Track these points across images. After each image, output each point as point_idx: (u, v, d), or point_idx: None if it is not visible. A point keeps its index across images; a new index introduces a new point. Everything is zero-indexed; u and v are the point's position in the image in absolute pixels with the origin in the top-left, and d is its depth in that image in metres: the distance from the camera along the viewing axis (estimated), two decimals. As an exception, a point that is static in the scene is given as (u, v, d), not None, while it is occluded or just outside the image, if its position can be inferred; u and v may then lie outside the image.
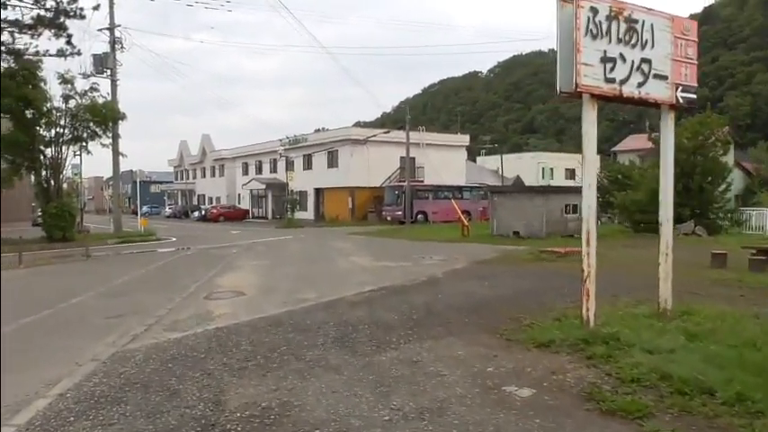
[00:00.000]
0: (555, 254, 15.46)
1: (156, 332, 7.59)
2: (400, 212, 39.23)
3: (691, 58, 6.69)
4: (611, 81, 5.97)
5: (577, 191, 23.22)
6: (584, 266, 6.12)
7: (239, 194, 60.31)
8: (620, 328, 5.93)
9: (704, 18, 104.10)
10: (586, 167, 6.07)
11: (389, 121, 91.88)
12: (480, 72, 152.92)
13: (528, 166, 60.65)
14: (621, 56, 6.01)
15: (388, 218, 40.44)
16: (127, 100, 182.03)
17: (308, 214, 47.70)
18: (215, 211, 54.09)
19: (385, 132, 43.41)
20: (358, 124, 63.96)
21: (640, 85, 6.19)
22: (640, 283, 10.43)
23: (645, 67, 6.18)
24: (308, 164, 49.29)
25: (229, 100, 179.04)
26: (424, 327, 7.31)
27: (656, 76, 6.31)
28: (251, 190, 55.83)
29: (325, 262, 16.57)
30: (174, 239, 28.08)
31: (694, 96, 6.77)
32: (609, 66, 5.92)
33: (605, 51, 5.89)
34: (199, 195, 70.72)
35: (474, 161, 65.19)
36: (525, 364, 5.37)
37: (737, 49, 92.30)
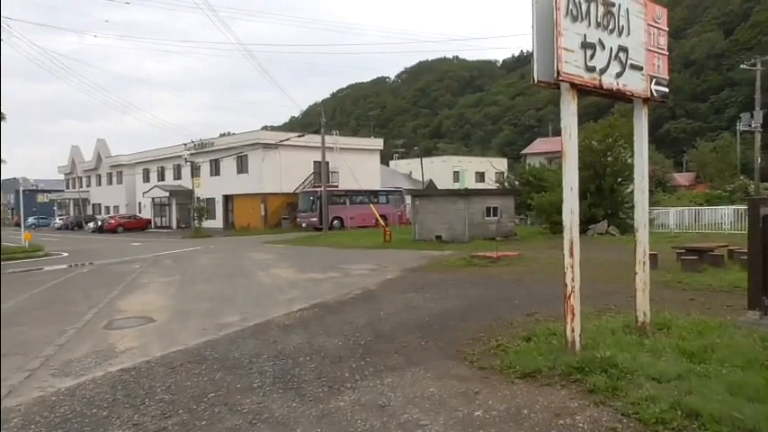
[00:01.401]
0: (487, 258, 14.91)
1: (42, 379, 6.04)
2: (316, 219, 38.00)
3: (662, 49, 6.13)
4: (592, 70, 5.23)
5: (497, 193, 23.07)
6: (566, 281, 5.32)
7: (140, 203, 56.48)
8: (609, 349, 5.16)
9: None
10: (568, 165, 5.28)
11: (298, 125, 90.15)
12: (388, 77, 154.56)
13: (439, 169, 61.11)
14: (601, 42, 5.29)
15: (304, 224, 39.05)
16: (10, 101, 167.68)
17: (217, 223, 45.25)
18: (113, 221, 50.18)
19: (299, 136, 41.92)
20: (266, 129, 61.77)
21: (618, 75, 5.51)
22: (592, 290, 9.98)
23: (622, 56, 5.51)
24: (215, 169, 46.81)
25: (128, 103, 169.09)
26: (378, 354, 6.26)
27: (632, 66, 5.66)
28: (153, 198, 52.35)
29: (244, 276, 15.11)
30: (66, 254, 25.27)
31: (667, 90, 6.21)
32: (589, 52, 5.18)
33: (585, 36, 5.15)
34: (94, 205, 65.68)
35: (387, 165, 64.90)
36: (518, 404, 4.46)
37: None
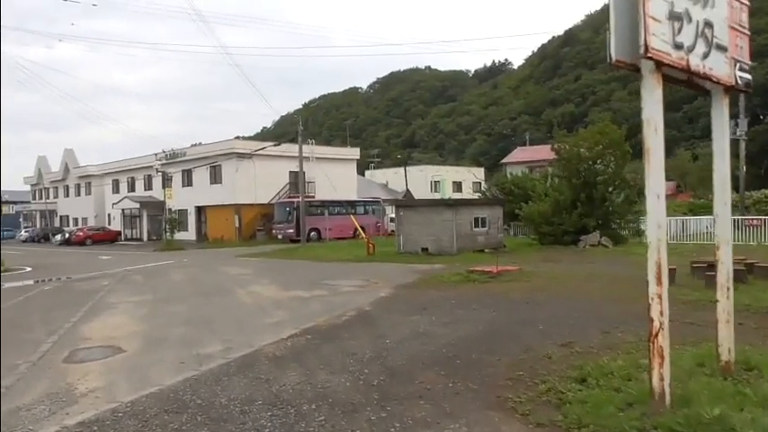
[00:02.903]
0: (486, 274, 13.94)
1: (-20, 439, 4.83)
2: (292, 230, 36.76)
3: (745, 27, 5.14)
4: (679, 47, 4.25)
5: (485, 203, 22.20)
6: (652, 315, 4.33)
7: (109, 214, 54.40)
8: (711, 404, 4.09)
9: (566, 40, 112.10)
10: (652, 166, 4.28)
11: (271, 135, 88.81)
12: (360, 88, 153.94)
13: (416, 179, 60.26)
14: (687, 13, 4.30)
15: (280, 236, 37.74)
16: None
17: (190, 235, 43.59)
18: (81, 233, 48.11)
19: (275, 145, 40.69)
20: (238, 139, 60.26)
21: (705, 56, 4.52)
22: (621, 312, 9.07)
23: (708, 32, 4.54)
24: (187, 180, 45.19)
25: (98, 113, 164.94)
26: (399, 401, 5.18)
27: (717, 46, 4.67)
28: (123, 209, 50.38)
29: (222, 294, 13.86)
30: (29, 269, 23.60)
31: (750, 77, 5.24)
32: (677, 25, 4.20)
33: (672, 4, 4.17)
34: (62, 216, 63.25)
35: (363, 175, 63.88)
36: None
37: (597, 68, 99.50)
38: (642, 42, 3.90)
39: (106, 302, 13.11)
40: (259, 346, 7.80)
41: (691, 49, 4.36)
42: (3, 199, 71.72)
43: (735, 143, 44.61)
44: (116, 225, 52.31)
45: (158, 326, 9.98)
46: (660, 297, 4.29)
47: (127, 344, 8.48)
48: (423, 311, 9.90)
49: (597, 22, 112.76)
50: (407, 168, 64.17)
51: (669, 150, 63.39)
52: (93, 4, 39.88)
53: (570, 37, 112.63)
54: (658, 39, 4.01)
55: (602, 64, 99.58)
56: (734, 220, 23.54)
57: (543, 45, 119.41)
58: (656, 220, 4.28)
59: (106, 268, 22.82)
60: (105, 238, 48.26)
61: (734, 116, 34.81)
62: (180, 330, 9.44)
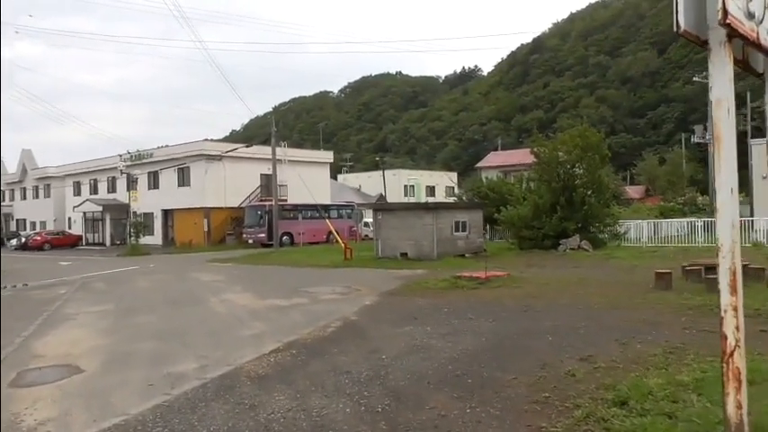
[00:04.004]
0: (475, 279, 13.23)
1: None
2: (264, 234, 35.62)
3: None
4: (751, 17, 3.59)
5: (465, 207, 21.55)
6: (725, 330, 3.62)
7: (70, 218, 52.15)
8: None
9: (534, 47, 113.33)
10: (723, 156, 3.58)
11: (240, 138, 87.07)
12: (331, 92, 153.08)
13: (389, 183, 59.53)
14: (758, -22, 3.65)
15: (250, 241, 36.53)
16: None
17: (156, 239, 41.99)
18: (38, 237, 45.90)
19: (246, 146, 39.49)
20: (208, 141, 58.69)
21: (772, 30, 3.87)
22: (624, 319, 8.48)
23: (774, 3, 3.89)
24: (154, 182, 43.56)
25: (62, 112, 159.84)
26: (412, 432, 4.41)
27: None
28: (84, 212, 48.33)
29: (193, 303, 12.85)
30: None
31: None
32: (748, -9, 3.53)
33: (744, -32, 3.50)
34: (18, 220, 60.52)
35: (335, 179, 62.93)
36: None
37: (564, 76, 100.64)
38: (720, 6, 3.21)
39: (63, 313, 11.98)
40: (239, 364, 6.93)
41: (761, 21, 3.69)
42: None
43: (697, 147, 45.35)
44: (77, 229, 50.19)
45: (122, 340, 8.98)
46: (735, 309, 3.57)
47: (86, 362, 7.51)
48: (414, 321, 9.13)
49: (564, 31, 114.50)
50: (380, 173, 63.51)
51: (632, 157, 64.41)
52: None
53: (538, 44, 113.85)
54: (734, 4, 3.32)
55: (568, 71, 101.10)
56: (711, 222, 23.70)
57: (512, 52, 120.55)
58: (731, 219, 3.57)
59: (65, 275, 21.46)
60: (65, 242, 46.18)
61: (684, 124, 35.12)
62: (147, 345, 8.48)
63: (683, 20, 3.37)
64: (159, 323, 10.38)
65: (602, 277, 14.04)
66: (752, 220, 23.62)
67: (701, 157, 48.30)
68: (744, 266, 11.43)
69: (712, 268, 11.37)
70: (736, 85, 3.55)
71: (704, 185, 41.70)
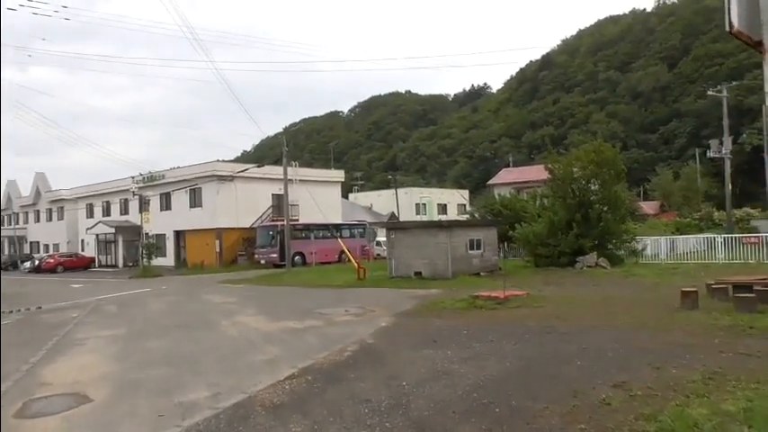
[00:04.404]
0: (493, 299, 12.86)
1: None
2: (276, 255, 35.42)
3: None
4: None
5: (480, 225, 21.20)
6: None
7: (83, 240, 52.32)
8: None
9: (543, 64, 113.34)
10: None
11: (251, 159, 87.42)
12: (341, 112, 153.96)
13: (401, 201, 59.34)
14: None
15: (262, 261, 36.32)
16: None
17: (168, 260, 41.89)
18: (51, 260, 46.04)
19: (258, 166, 39.49)
20: (219, 161, 58.93)
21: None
22: (659, 343, 8.06)
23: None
24: (166, 204, 43.62)
25: (76, 136, 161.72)
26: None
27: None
28: (97, 234, 48.45)
29: (205, 327, 12.56)
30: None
31: None
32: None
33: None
34: (32, 242, 60.89)
35: (346, 198, 62.84)
36: None
37: (574, 91, 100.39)
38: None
39: (73, 338, 11.74)
40: (253, 392, 6.63)
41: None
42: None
43: (712, 162, 44.76)
44: (90, 251, 50.32)
45: (132, 366, 8.70)
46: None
47: (94, 390, 7.23)
48: (434, 344, 8.78)
49: (572, 47, 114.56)
50: (392, 191, 63.33)
51: (644, 172, 63.75)
52: (66, 18, 38.31)
53: (547, 61, 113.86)
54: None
55: (578, 87, 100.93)
56: (731, 238, 23.16)
57: (521, 69, 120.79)
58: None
59: (77, 297, 21.29)
60: (78, 264, 46.29)
61: (696, 139, 34.60)
62: (158, 372, 8.19)
63: (735, 19, 3.11)
64: (170, 348, 10.10)
65: (624, 296, 13.62)
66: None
67: (716, 171, 47.65)
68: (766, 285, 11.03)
69: (741, 287, 10.96)
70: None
71: (720, 200, 41.10)
